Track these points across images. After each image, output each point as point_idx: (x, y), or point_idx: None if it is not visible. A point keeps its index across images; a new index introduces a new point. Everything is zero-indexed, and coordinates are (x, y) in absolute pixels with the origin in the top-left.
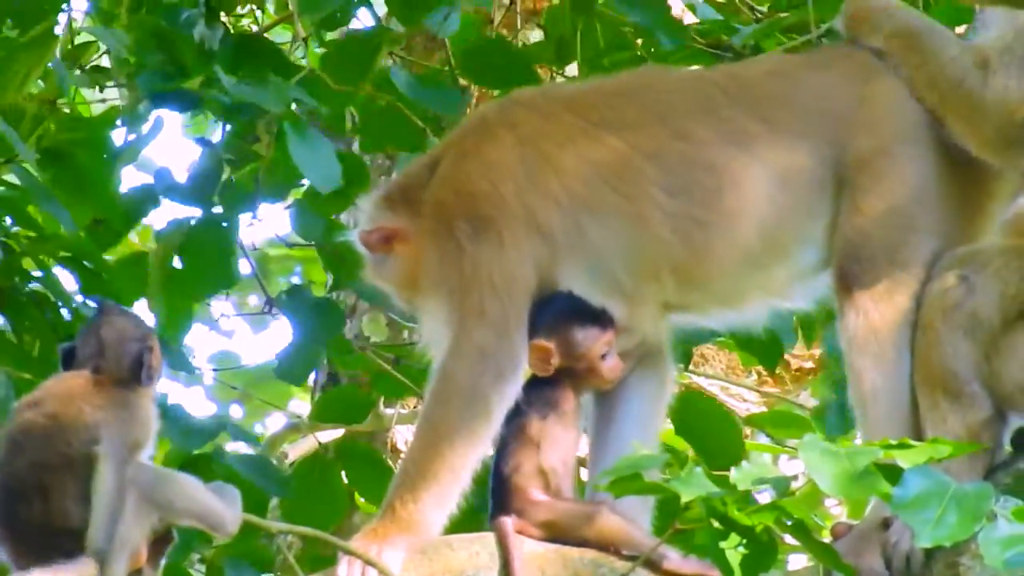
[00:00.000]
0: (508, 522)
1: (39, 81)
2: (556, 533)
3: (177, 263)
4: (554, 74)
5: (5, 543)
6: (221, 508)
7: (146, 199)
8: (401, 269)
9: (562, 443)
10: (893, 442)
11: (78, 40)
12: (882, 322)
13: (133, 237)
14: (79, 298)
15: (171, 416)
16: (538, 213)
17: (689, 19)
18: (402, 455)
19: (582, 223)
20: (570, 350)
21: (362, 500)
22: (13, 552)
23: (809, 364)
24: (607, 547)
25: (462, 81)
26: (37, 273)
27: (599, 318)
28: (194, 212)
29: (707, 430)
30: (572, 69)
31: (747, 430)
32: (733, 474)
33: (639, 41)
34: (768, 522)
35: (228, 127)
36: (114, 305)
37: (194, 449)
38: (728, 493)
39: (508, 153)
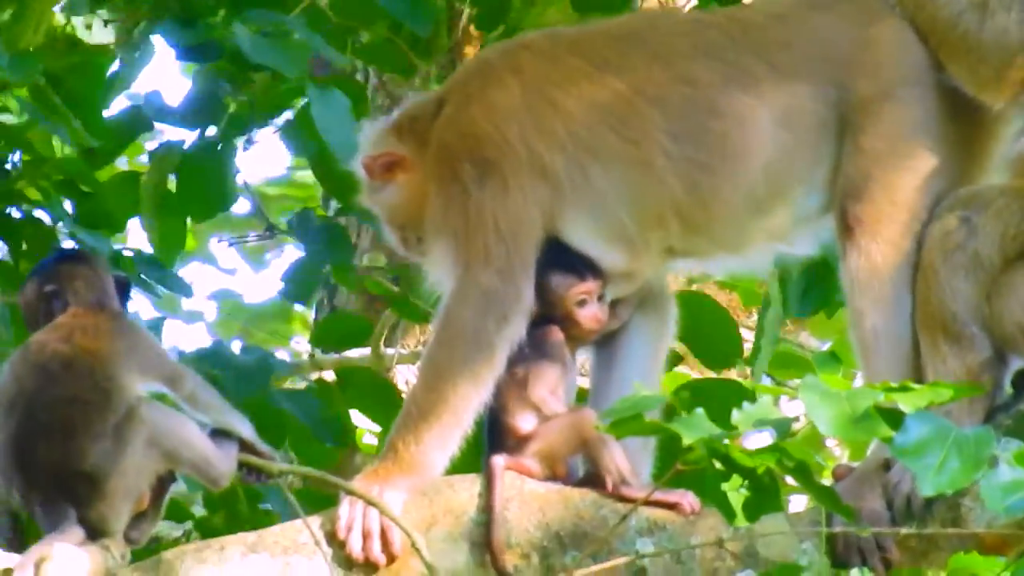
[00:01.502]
0: (499, 460)
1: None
2: (553, 461)
3: (168, 185)
4: None
5: (15, 483)
6: (219, 461)
7: (137, 122)
8: (400, 197)
9: (547, 375)
10: (894, 385)
11: None
12: (884, 263)
13: (123, 161)
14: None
15: (222, 358)
16: (543, 157)
17: None
18: (403, 395)
19: (587, 168)
20: (544, 296)
21: (364, 441)
22: (23, 492)
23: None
24: (606, 482)
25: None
26: (36, 196)
27: (577, 267)
28: (188, 135)
29: (704, 328)
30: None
31: (747, 370)
32: (735, 415)
33: None
34: (770, 463)
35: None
36: (81, 248)
37: (249, 395)
38: (730, 434)
39: (513, 97)
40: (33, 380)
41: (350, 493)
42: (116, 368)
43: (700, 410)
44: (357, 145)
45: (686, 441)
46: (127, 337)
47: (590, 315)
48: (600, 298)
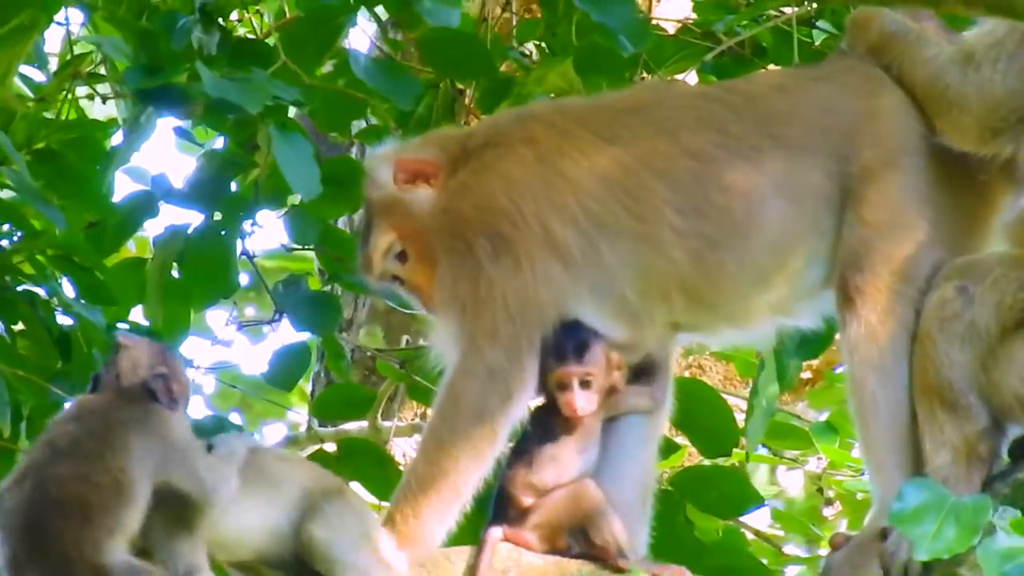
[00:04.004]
0: (496, 532)
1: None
2: (553, 533)
3: (173, 270)
4: (530, 56)
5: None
6: None
7: (143, 206)
8: (413, 210)
9: (557, 462)
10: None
11: (77, 50)
12: (883, 332)
13: (130, 244)
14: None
15: None
16: (556, 234)
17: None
18: (401, 467)
19: (597, 243)
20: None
21: None
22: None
23: (807, 375)
24: (604, 553)
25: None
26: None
27: (562, 350)
28: (191, 220)
29: (700, 416)
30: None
31: (744, 441)
32: None
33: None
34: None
35: (225, 135)
36: (131, 336)
37: None
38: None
39: (528, 170)
40: (41, 452)
41: None
42: (126, 461)
43: None
44: (318, 183)
45: None
46: (147, 434)
47: (565, 401)
48: (585, 384)
